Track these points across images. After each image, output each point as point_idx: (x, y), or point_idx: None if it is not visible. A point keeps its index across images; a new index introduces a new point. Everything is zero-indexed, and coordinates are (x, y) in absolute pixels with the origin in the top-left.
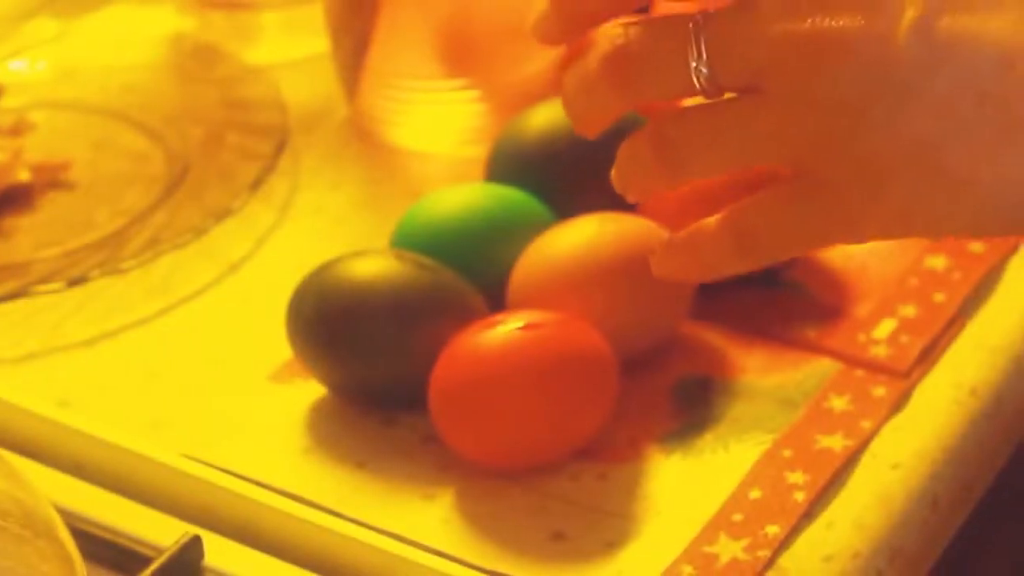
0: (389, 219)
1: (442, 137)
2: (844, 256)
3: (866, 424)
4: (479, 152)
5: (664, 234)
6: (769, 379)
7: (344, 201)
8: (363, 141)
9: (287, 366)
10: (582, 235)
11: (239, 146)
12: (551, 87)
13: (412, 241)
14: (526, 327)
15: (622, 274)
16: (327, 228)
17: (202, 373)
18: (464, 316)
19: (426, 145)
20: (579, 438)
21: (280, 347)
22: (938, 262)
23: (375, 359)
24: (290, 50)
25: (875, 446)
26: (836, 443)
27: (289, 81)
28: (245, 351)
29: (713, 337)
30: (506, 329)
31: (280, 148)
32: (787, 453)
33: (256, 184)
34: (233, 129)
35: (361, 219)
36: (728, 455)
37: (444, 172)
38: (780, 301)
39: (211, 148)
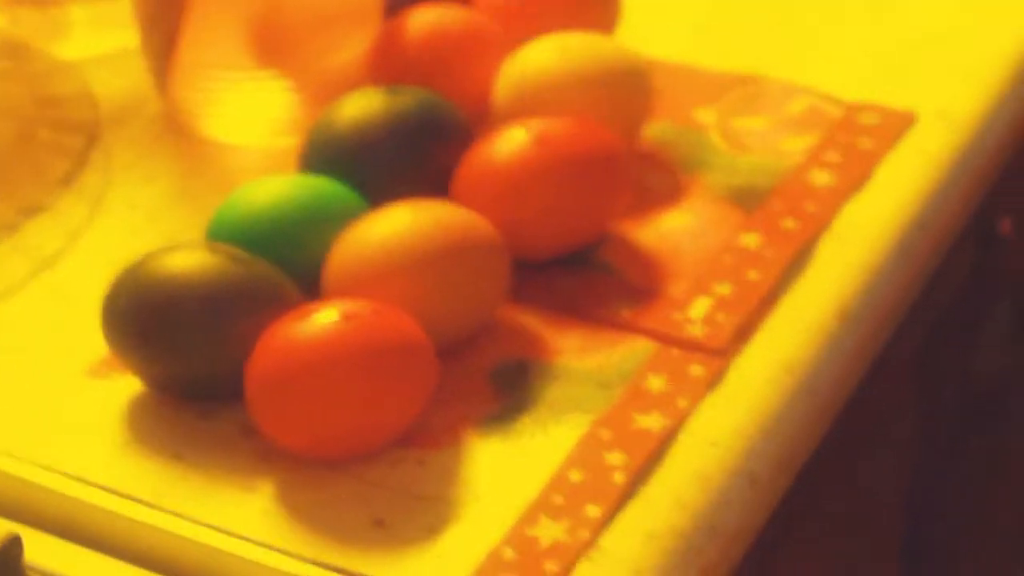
0: (204, 212)
1: (255, 129)
2: (657, 236)
3: (683, 403)
4: (293, 143)
5: (476, 219)
6: (586, 361)
7: (158, 195)
8: (176, 134)
9: (104, 361)
10: (395, 223)
11: (50, 142)
12: (363, 76)
13: (226, 233)
14: (342, 317)
15: (437, 261)
16: (141, 223)
17: (18, 370)
18: (279, 306)
19: (239, 137)
20: (398, 425)
21: (96, 343)
22: (752, 240)
23: (190, 352)
24: (100, 44)
25: (692, 424)
26: (654, 423)
27: (100, 76)
28: (61, 347)
29: (529, 320)
30: (321, 318)
31: (91, 143)
32: (605, 434)
33: (68, 179)
34: (44, 125)
35: (176, 213)
36: (547, 438)
37: (258, 164)
38: (594, 282)
39: (22, 144)
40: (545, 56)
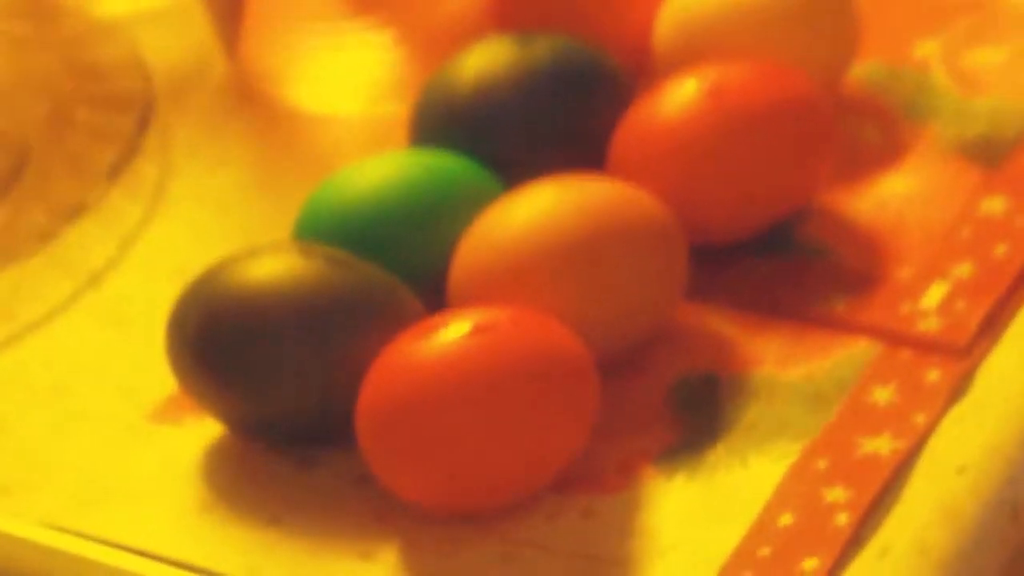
0: (290, 205)
1: (351, 94)
2: (874, 206)
3: (919, 419)
4: (400, 111)
5: (641, 197)
6: (792, 371)
7: (230, 185)
8: (250, 107)
9: (172, 401)
10: (537, 207)
11: (92, 124)
12: (485, 22)
13: (321, 231)
14: (475, 330)
15: (593, 253)
16: (211, 221)
17: (62, 418)
18: (394, 322)
19: (332, 105)
20: (554, 466)
21: (161, 378)
22: (996, 205)
23: (283, 386)
24: None
25: (933, 446)
26: (883, 446)
27: (150, 37)
28: (116, 386)
29: (716, 323)
30: (450, 334)
31: (144, 123)
32: (822, 464)
33: (116, 171)
34: (83, 103)
35: (254, 207)
36: (747, 472)
37: (357, 139)
38: (797, 270)
39: (56, 128)
40: None
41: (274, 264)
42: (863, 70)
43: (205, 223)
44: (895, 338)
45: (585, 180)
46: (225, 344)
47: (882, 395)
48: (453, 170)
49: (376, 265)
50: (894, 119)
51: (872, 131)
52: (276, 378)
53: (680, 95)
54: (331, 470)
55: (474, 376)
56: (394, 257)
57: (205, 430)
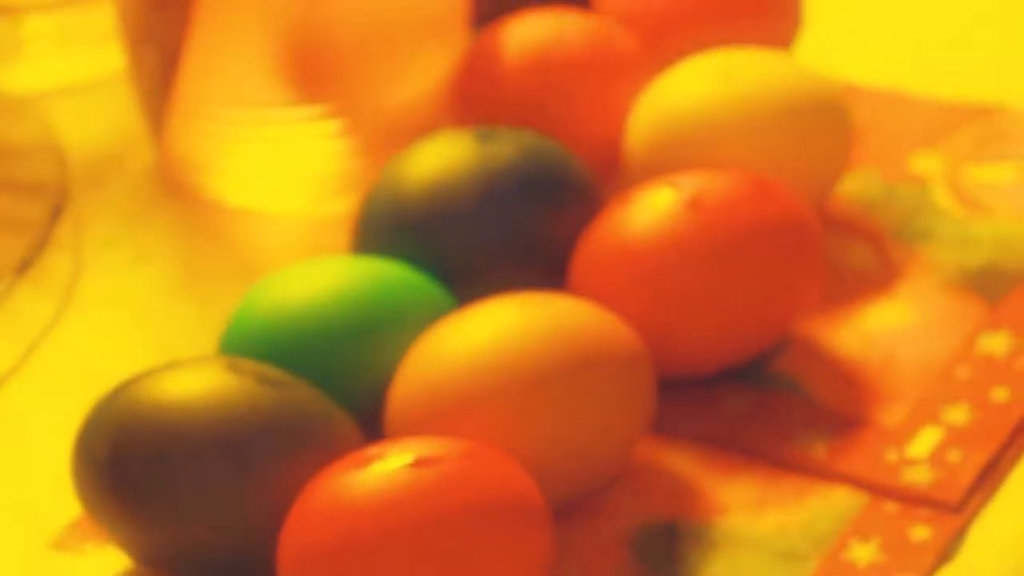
0: (216, 311)
1: (289, 189)
2: (862, 337)
3: None
4: (343, 210)
5: (608, 321)
6: (764, 521)
7: (150, 286)
8: (175, 199)
9: (75, 528)
10: (492, 327)
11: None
12: (442, 114)
13: (250, 343)
14: (416, 463)
15: (553, 383)
16: (127, 326)
17: None
18: (327, 450)
19: (267, 202)
20: None
21: (65, 502)
22: (997, 344)
23: (199, 516)
24: (68, 71)
25: None
26: None
27: (66, 116)
28: (14, 509)
29: (682, 463)
30: (388, 467)
31: (57, 212)
32: None
33: (24, 264)
34: None
35: (176, 312)
36: None
37: (293, 240)
38: (772, 406)
39: None
40: (700, 83)
41: (196, 380)
42: (854, 184)
43: (120, 328)
44: (879, 489)
45: (543, 299)
46: (137, 468)
47: (862, 553)
48: (399, 281)
49: (310, 386)
50: (887, 241)
51: (862, 254)
52: (192, 507)
53: (653, 206)
54: None
55: (413, 516)
56: (330, 377)
57: (109, 561)
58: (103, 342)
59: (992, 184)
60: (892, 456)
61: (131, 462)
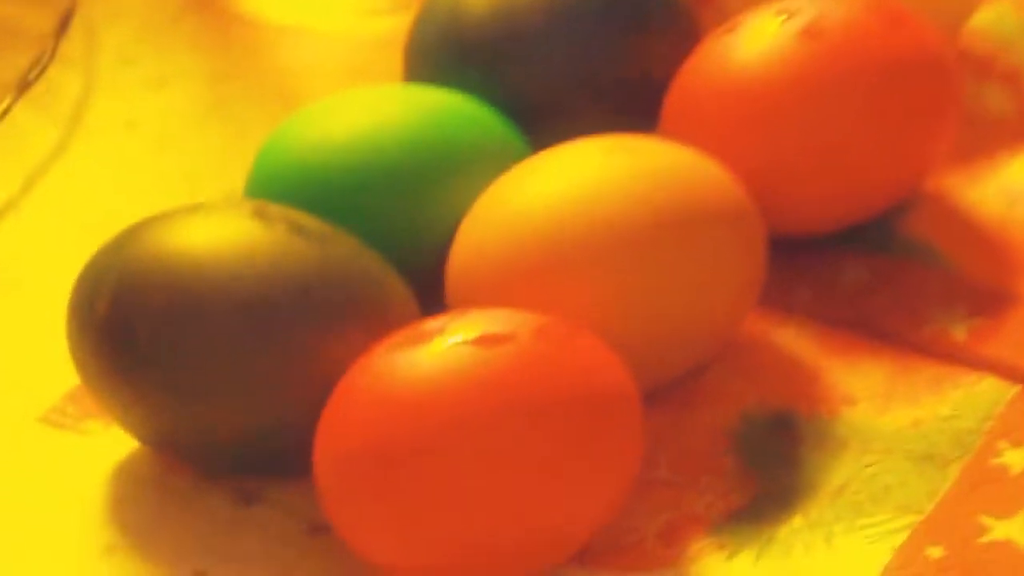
0: (245, 145)
1: (334, 3)
2: (1004, 196)
3: None
4: (396, 28)
5: (710, 171)
6: (893, 415)
7: (170, 112)
8: (203, 10)
9: (71, 400)
10: (573, 175)
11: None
12: None
13: (284, 184)
14: (481, 340)
15: (646, 244)
16: (142, 158)
17: None
18: (375, 321)
19: (307, 17)
20: (581, 532)
21: (60, 368)
22: None
23: (221, 395)
24: None
25: None
26: (1020, 532)
27: None
28: (3, 375)
29: (794, 343)
30: (446, 344)
31: (65, 23)
32: (935, 552)
33: (26, 84)
34: None
35: (199, 143)
36: (833, 555)
37: (339, 63)
38: (903, 278)
39: None
40: None
41: (220, 228)
42: (987, 16)
43: (134, 160)
44: None
45: (635, 143)
46: (143, 329)
47: (1017, 459)
48: (462, 116)
49: (355, 239)
50: None
51: (998, 97)
52: (213, 383)
53: (762, 34)
54: (277, 512)
55: (477, 405)
56: (379, 231)
57: (114, 442)
58: (113, 176)
59: None
60: None
61: (134, 324)
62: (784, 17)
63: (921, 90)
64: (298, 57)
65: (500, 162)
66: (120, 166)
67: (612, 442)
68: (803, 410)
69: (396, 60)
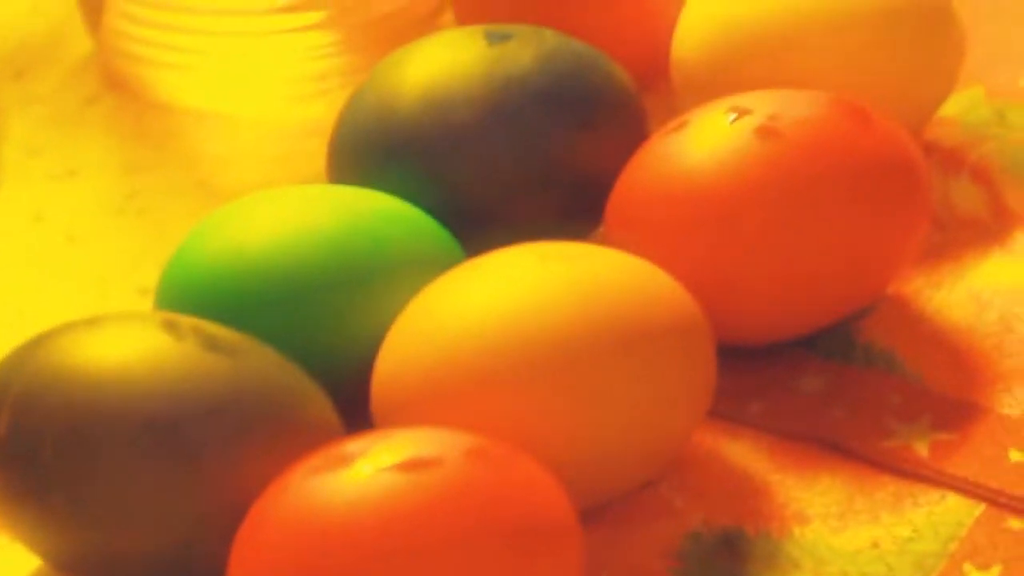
0: (163, 239)
1: (256, 92)
2: (972, 302)
3: None
4: (321, 118)
5: (657, 279)
6: (851, 535)
7: (82, 206)
8: (118, 97)
9: None
10: (509, 284)
11: None
12: (445, 9)
13: (197, 293)
14: (407, 464)
15: (586, 357)
16: (51, 255)
17: None
18: (292, 440)
19: (228, 105)
20: None
21: None
22: None
23: (125, 520)
24: None
25: None
26: None
27: None
28: None
29: (746, 458)
30: (371, 467)
31: None
32: None
33: None
34: None
35: (112, 238)
36: None
37: (260, 155)
38: (861, 387)
39: None
40: None
41: (125, 340)
42: (957, 107)
43: (42, 256)
44: (1000, 499)
45: (577, 250)
46: (48, 453)
47: None
48: (389, 219)
49: (273, 352)
50: (999, 179)
51: (969, 195)
52: (120, 507)
53: (713, 133)
54: None
55: (402, 538)
56: (300, 342)
57: (17, 560)
58: (19, 273)
59: None
60: (1015, 456)
61: (36, 444)
62: (735, 116)
63: (887, 192)
64: (218, 145)
65: (430, 268)
66: (26, 263)
67: (549, 571)
68: (752, 529)
69: (323, 149)
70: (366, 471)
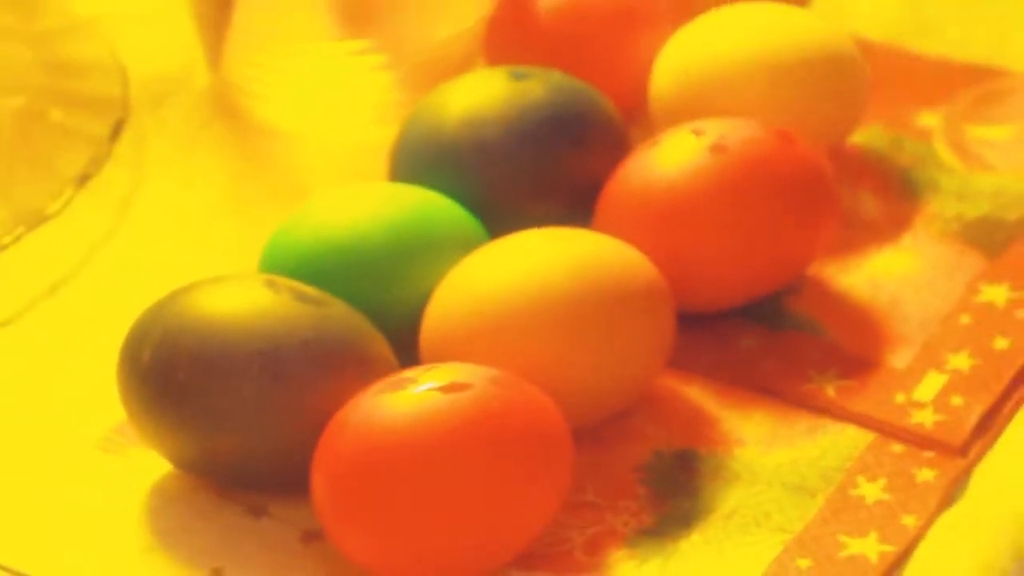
0: (261, 228)
1: (335, 117)
2: (869, 284)
3: (909, 521)
4: (382, 138)
5: (631, 257)
6: (775, 455)
7: (201, 202)
8: (230, 120)
9: (119, 431)
10: (523, 259)
11: (64, 125)
12: (479, 52)
13: (291, 262)
14: (447, 387)
15: (578, 313)
16: (177, 239)
17: (3, 437)
18: (361, 371)
19: (313, 128)
20: (521, 541)
21: (112, 405)
22: (997, 294)
23: (239, 425)
24: None
25: (923, 553)
26: (870, 548)
27: (131, 38)
28: (64, 409)
29: (697, 395)
30: (419, 390)
31: (118, 129)
32: (804, 563)
33: (85, 178)
34: (56, 102)
35: (223, 227)
36: (723, 564)
37: (338, 165)
38: (787, 345)
39: (25, 126)
40: (723, 34)
41: (238, 294)
42: (864, 136)
43: (171, 241)
44: (887, 429)
45: (574, 234)
46: (179, 377)
47: (871, 491)
48: (434, 209)
49: (346, 305)
50: (894, 191)
51: (870, 202)
52: (229, 416)
53: (679, 149)
54: (281, 521)
55: (441, 438)
56: (365, 298)
57: (152, 465)
58: (155, 255)
59: (991, 142)
60: (900, 398)
61: (172, 369)
62: (695, 137)
63: (806, 197)
64: (304, 160)
65: (463, 246)
66: (159, 247)
67: (549, 470)
68: (703, 449)
69: (381, 163)
70: (416, 391)
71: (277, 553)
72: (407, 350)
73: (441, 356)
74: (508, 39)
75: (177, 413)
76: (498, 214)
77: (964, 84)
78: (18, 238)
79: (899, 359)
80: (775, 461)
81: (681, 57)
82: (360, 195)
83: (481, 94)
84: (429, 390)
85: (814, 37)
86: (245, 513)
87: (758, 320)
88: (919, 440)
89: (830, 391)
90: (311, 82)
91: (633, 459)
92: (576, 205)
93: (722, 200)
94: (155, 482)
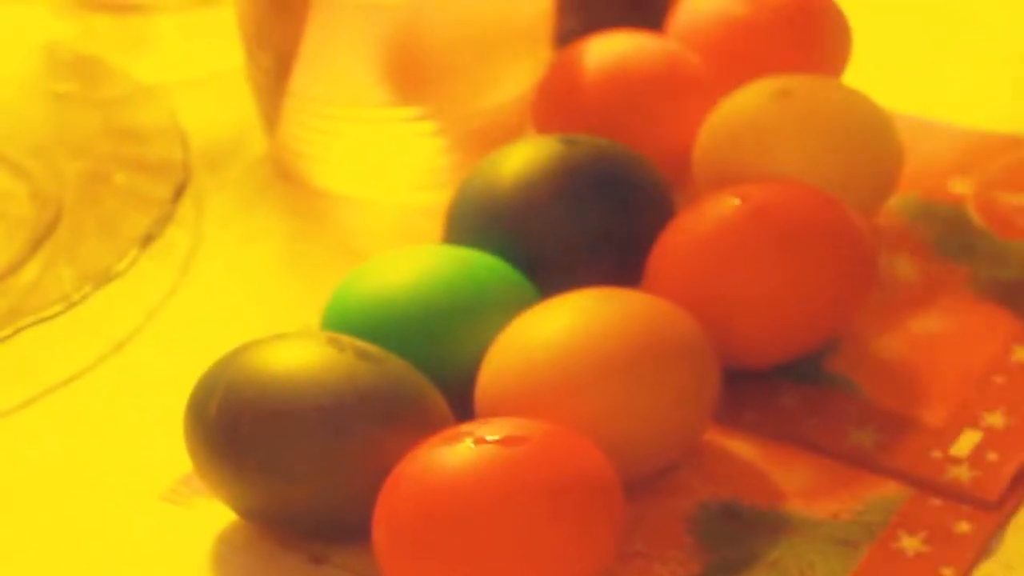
0: (321, 288)
1: (388, 181)
2: (907, 343)
3: (947, 572)
4: (437, 202)
5: (678, 315)
6: (818, 508)
7: (260, 261)
8: (286, 183)
9: (185, 482)
10: (574, 317)
11: (128, 188)
12: (528, 120)
13: (351, 320)
14: (502, 441)
15: (628, 370)
16: (239, 297)
17: (71, 490)
18: (420, 425)
19: (368, 191)
20: None
21: (177, 457)
22: None
23: (303, 477)
24: (193, 65)
25: None
26: None
27: (192, 104)
28: (130, 461)
29: (742, 450)
30: (475, 444)
31: (180, 191)
32: None
33: (148, 238)
34: (120, 166)
35: (285, 287)
36: None
37: (392, 227)
38: (826, 402)
39: (92, 189)
40: (764, 104)
41: (301, 351)
42: (898, 202)
43: (233, 298)
44: (925, 484)
45: (622, 294)
46: (243, 428)
47: (910, 543)
48: (488, 270)
49: (405, 362)
50: (928, 255)
51: (906, 265)
52: (294, 470)
53: (721, 212)
54: (342, 569)
55: (497, 490)
56: (423, 356)
57: (216, 515)
58: (216, 312)
59: (1020, 208)
60: (936, 454)
61: (238, 422)
62: (738, 201)
63: (845, 258)
64: (359, 222)
65: (516, 304)
66: (220, 305)
67: (600, 521)
68: (747, 501)
69: (436, 226)
70: (472, 445)
71: None
72: (463, 405)
73: (496, 411)
74: (557, 106)
75: (241, 464)
76: (549, 275)
77: (994, 153)
78: (85, 296)
79: (935, 416)
80: (818, 515)
81: (722, 125)
82: (417, 256)
83: (533, 159)
84: (486, 444)
85: (851, 106)
86: (307, 561)
87: (797, 378)
88: (956, 495)
89: (869, 446)
90: (365, 147)
91: (680, 511)
92: (623, 266)
93: (764, 262)
94: (220, 531)
